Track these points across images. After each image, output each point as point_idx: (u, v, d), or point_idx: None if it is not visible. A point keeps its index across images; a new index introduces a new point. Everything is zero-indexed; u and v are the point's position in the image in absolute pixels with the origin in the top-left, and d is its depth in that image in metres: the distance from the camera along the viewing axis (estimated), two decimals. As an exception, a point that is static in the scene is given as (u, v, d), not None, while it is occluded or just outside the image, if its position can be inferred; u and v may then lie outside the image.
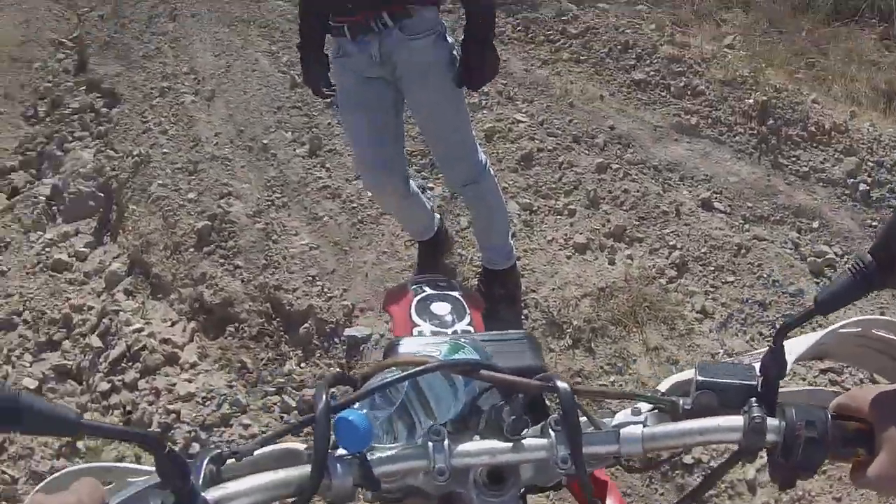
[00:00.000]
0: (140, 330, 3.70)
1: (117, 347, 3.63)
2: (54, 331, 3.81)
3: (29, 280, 4.14)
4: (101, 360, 3.64)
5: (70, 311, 3.86)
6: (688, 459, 3.08)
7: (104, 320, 3.78)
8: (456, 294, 1.64)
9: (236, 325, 3.75)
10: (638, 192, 4.38)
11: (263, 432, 3.22)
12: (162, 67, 5.93)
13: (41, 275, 4.18)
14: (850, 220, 4.28)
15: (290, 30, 5.85)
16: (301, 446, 0.98)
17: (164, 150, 4.90)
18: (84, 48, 6.25)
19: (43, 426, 0.74)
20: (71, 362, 3.66)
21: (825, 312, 0.95)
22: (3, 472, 3.18)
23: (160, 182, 4.61)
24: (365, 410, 0.93)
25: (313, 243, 4.20)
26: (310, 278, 3.95)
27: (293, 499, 0.86)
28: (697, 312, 3.79)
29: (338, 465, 0.88)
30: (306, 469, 0.86)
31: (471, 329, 1.55)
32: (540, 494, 2.14)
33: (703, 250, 4.07)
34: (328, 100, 3.89)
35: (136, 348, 3.60)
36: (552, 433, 0.93)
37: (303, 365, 3.60)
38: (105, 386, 3.50)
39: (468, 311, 1.60)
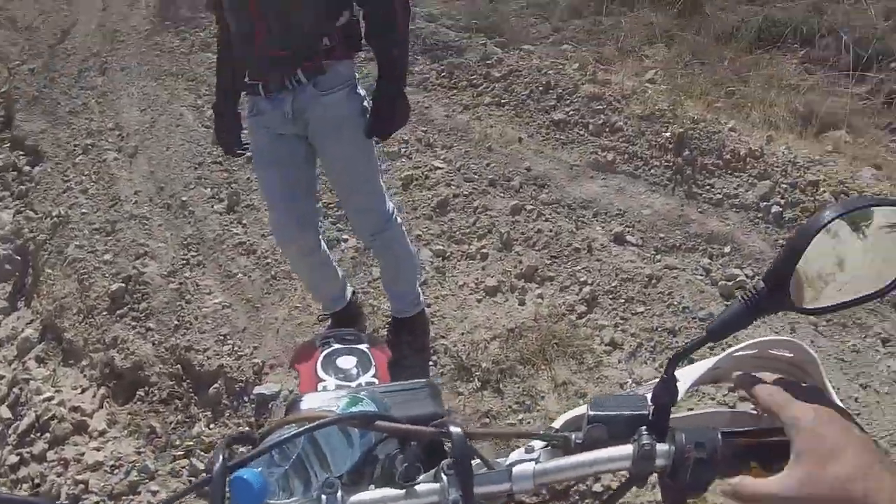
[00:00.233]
0: (50, 398, 3.82)
1: (26, 418, 3.75)
2: (-36, 402, 3.91)
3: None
4: (10, 431, 3.78)
5: (-20, 382, 3.97)
6: (597, 487, 3.21)
7: (14, 390, 3.91)
8: (362, 347, 1.73)
9: (146, 388, 3.89)
10: (551, 231, 4.57)
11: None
12: (87, 123, 6.13)
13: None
14: (761, 242, 4.45)
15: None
16: None
17: (83, 210, 5.09)
18: (11, 103, 6.46)
19: None
20: (-21, 436, 3.77)
21: (716, 340, 1.01)
22: None
23: (77, 243, 4.78)
24: (260, 469, 0.97)
25: (226, 301, 4.36)
26: (221, 337, 4.10)
27: None
28: (606, 345, 3.96)
29: None
30: None
31: (375, 381, 1.63)
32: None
33: (613, 284, 4.25)
34: (241, 157, 4.04)
35: (45, 418, 3.71)
36: (444, 477, 0.98)
37: (212, 426, 3.72)
38: (13, 459, 3.61)
39: (373, 363, 1.68)
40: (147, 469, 3.50)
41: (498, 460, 1.07)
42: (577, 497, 3.22)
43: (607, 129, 5.28)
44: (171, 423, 3.75)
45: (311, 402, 1.29)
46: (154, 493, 3.42)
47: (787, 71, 6.23)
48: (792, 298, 0.97)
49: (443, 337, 4.05)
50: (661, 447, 0.98)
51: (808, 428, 0.89)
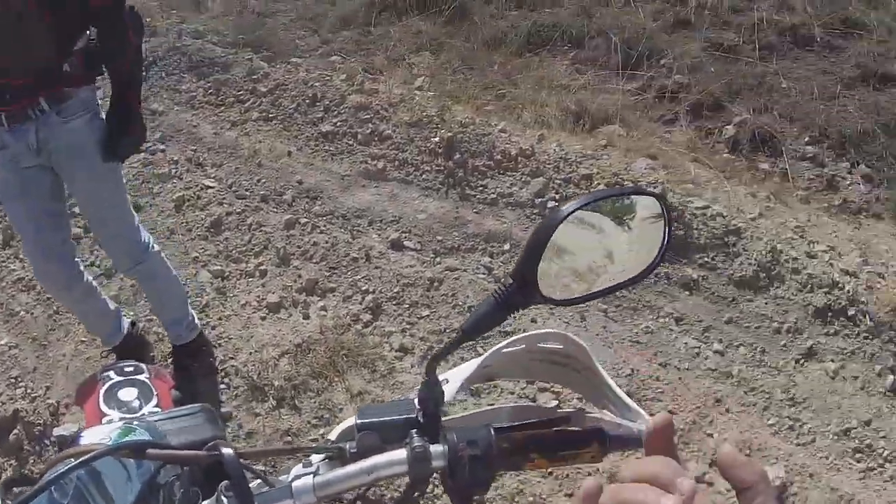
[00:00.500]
0: None
1: None
2: None
3: None
4: None
5: None
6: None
7: None
8: (142, 378, 1.77)
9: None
10: (327, 242, 4.78)
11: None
12: None
13: None
14: (540, 237, 4.82)
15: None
16: None
17: None
18: None
19: None
20: None
21: (472, 338, 1.07)
22: None
23: None
24: None
25: (12, 342, 4.32)
26: (12, 380, 4.06)
27: None
28: (397, 351, 4.21)
29: None
30: None
31: (158, 410, 1.66)
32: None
33: (396, 290, 4.51)
34: None
35: None
36: (224, 499, 1.02)
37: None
38: None
39: (155, 392, 1.73)
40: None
41: (280, 478, 1.12)
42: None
43: (376, 138, 5.51)
44: (-25, 477, 3.68)
45: (91, 437, 1.30)
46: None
47: (557, 72, 6.70)
48: (543, 292, 1.04)
49: (231, 358, 4.17)
50: (436, 448, 1.05)
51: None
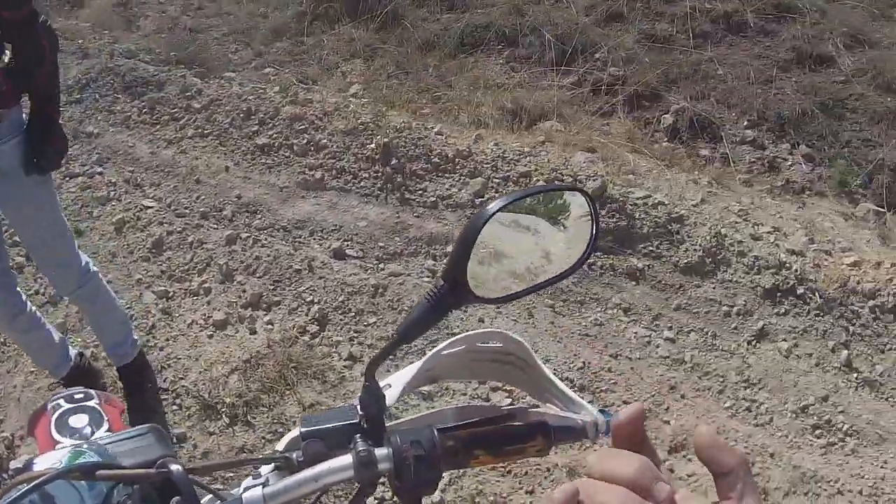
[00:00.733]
0: None
1: None
2: None
3: None
4: None
5: None
6: (371, 502, 3.46)
7: None
8: (92, 403, 1.75)
9: None
10: (269, 256, 4.80)
11: None
12: None
13: None
14: (483, 236, 4.87)
15: None
16: None
17: None
18: None
19: None
20: None
21: (408, 341, 1.08)
22: None
23: None
24: None
25: None
26: None
27: None
28: (346, 360, 4.25)
29: None
30: None
31: (109, 435, 1.64)
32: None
33: (341, 299, 4.54)
34: None
35: None
36: None
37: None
38: None
39: (105, 417, 1.71)
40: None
41: (232, 491, 1.11)
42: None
43: (312, 148, 5.54)
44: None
45: (42, 463, 1.32)
46: None
47: (492, 72, 6.78)
48: (476, 292, 1.05)
49: (182, 378, 4.17)
50: (380, 451, 1.05)
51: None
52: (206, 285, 4.68)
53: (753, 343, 4.65)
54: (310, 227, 5.03)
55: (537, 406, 1.30)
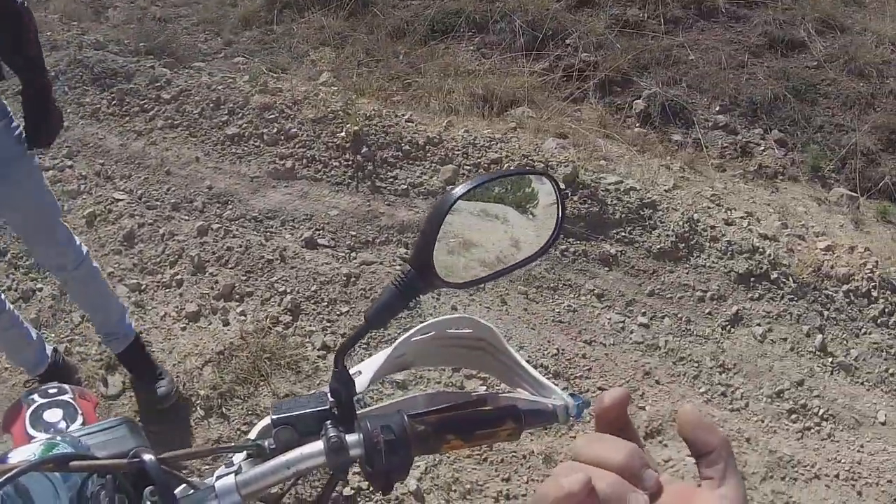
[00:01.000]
0: None
1: None
2: None
3: None
4: None
5: None
6: (347, 491, 3.45)
7: None
8: (67, 398, 1.79)
9: None
10: (241, 246, 4.80)
11: None
12: None
13: None
14: (456, 223, 4.91)
15: None
16: None
17: None
18: None
19: None
20: None
21: (377, 326, 1.12)
22: None
23: None
24: None
25: None
26: None
27: None
28: (319, 349, 4.27)
29: None
30: None
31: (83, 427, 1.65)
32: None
33: (313, 289, 4.56)
34: None
35: None
36: None
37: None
38: None
39: (80, 411, 1.75)
40: None
41: (205, 480, 1.13)
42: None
43: (282, 137, 5.53)
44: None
45: (17, 456, 1.31)
46: None
47: (463, 58, 6.80)
48: (442, 276, 1.08)
49: (156, 371, 4.15)
50: (351, 437, 1.07)
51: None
52: (179, 277, 4.68)
53: (728, 328, 4.70)
54: (281, 216, 5.03)
55: (509, 392, 1.34)
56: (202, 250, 4.81)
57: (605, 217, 5.06)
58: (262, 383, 4.08)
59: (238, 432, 3.89)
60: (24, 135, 3.18)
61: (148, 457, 1.05)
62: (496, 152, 5.30)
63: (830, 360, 4.59)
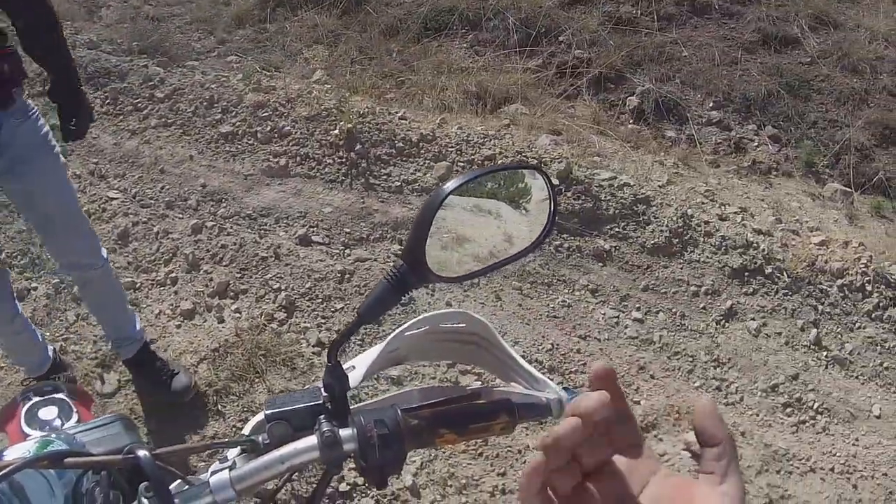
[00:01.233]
0: None
1: None
2: None
3: None
4: None
5: None
6: (343, 487, 3.47)
7: None
8: (61, 396, 1.78)
9: None
10: (235, 244, 4.81)
11: None
12: None
13: None
14: (451, 219, 4.92)
15: None
16: None
17: None
18: None
19: None
20: None
21: (370, 321, 1.13)
22: None
23: None
24: None
25: None
26: None
27: None
28: (314, 346, 4.28)
29: None
30: None
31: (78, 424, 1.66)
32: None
33: (308, 286, 4.57)
34: None
35: None
36: (145, 500, 1.03)
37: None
38: None
39: (75, 410, 1.74)
40: None
41: (200, 476, 1.12)
42: (327, 500, 3.45)
43: (276, 135, 5.54)
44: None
45: (12, 454, 1.31)
46: None
47: (456, 55, 6.82)
48: (434, 271, 1.09)
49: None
50: (345, 432, 1.07)
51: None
52: (173, 275, 4.69)
53: (722, 323, 4.72)
54: (275, 214, 5.05)
55: (502, 386, 1.34)
56: (196, 248, 4.82)
57: (599, 213, 5.08)
58: (257, 380, 4.09)
59: (233, 429, 3.90)
60: (50, 133, 3.19)
61: (142, 453, 1.05)
62: (490, 149, 5.32)
63: (825, 354, 4.62)
